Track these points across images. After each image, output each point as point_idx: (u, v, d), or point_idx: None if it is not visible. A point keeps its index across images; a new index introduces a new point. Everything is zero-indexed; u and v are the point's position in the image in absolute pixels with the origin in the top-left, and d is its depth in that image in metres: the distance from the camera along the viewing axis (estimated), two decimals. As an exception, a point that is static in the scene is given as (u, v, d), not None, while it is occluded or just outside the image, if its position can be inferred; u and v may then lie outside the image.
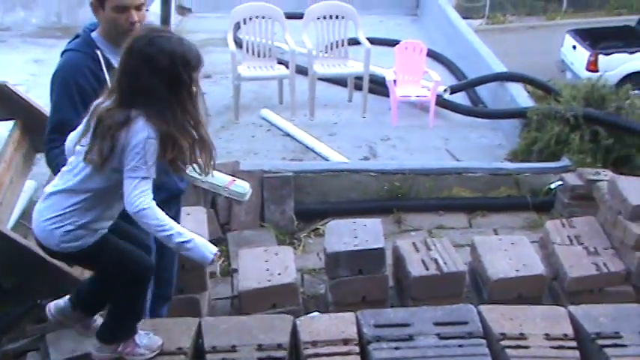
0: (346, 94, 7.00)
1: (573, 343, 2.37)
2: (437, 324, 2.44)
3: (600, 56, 11.80)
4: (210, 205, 4.37)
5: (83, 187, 2.21)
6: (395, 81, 6.59)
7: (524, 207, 4.77)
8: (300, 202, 4.65)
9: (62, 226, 2.22)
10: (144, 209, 2.13)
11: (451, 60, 8.08)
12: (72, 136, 2.28)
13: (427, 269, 3.42)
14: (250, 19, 6.58)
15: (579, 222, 3.95)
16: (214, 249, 2.21)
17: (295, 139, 6.00)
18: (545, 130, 5.17)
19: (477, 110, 6.75)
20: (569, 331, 2.40)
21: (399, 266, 3.59)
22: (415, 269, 3.40)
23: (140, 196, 2.13)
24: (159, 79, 2.12)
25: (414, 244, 3.64)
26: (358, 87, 6.79)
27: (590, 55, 11.85)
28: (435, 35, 9.21)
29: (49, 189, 2.29)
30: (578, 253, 3.67)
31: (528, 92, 6.59)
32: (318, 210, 4.69)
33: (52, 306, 2.50)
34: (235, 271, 3.76)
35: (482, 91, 7.14)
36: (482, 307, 2.55)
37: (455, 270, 3.43)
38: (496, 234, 4.47)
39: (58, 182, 2.27)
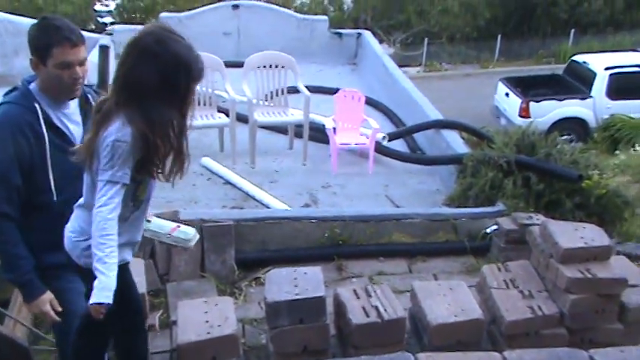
0: (287, 141, 7.07)
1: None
2: (376, 373, 2.44)
3: (531, 103, 12.36)
4: (148, 256, 4.29)
5: (92, 202, 2.20)
6: (334, 129, 6.69)
7: (462, 251, 4.87)
8: (241, 250, 4.61)
9: (85, 240, 2.25)
10: (97, 214, 2.11)
11: (389, 107, 8.29)
12: None
13: (368, 316, 3.42)
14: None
15: (514, 266, 4.05)
16: (107, 301, 2.11)
17: (236, 187, 6.00)
18: (479, 176, 5.33)
19: (415, 157, 6.92)
20: (501, 376, 2.44)
21: (340, 314, 3.59)
22: (356, 317, 3.40)
23: (101, 202, 2.12)
24: (156, 78, 2.09)
25: (354, 291, 3.65)
26: (299, 135, 6.87)
27: (522, 102, 12.40)
28: (373, 83, 9.45)
29: (77, 203, 2.35)
30: (513, 296, 3.75)
31: (463, 139, 6.81)
32: (259, 258, 4.66)
33: None
34: (174, 323, 3.68)
35: (419, 137, 7.33)
36: (421, 355, 2.58)
37: (395, 317, 3.44)
38: (436, 279, 4.54)
39: (83, 198, 2.31)
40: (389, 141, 6.87)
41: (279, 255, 4.65)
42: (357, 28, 12.60)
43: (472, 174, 5.45)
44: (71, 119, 2.33)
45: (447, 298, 3.65)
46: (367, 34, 11.05)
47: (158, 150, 2.15)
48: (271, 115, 6.75)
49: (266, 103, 6.85)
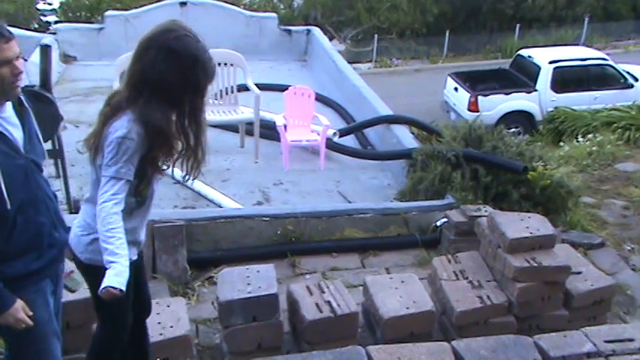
0: (238, 140, 7.02)
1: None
2: (328, 368, 2.46)
3: (480, 97, 12.57)
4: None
5: (96, 197, 2.19)
6: (285, 126, 6.69)
7: (413, 245, 4.93)
8: (194, 250, 4.57)
9: (89, 234, 2.27)
10: (101, 210, 2.12)
11: (340, 104, 8.32)
12: None
13: (321, 312, 3.44)
14: (137, 67, 6.48)
15: (464, 257, 4.14)
16: (120, 286, 2.11)
17: (187, 187, 5.92)
18: (429, 170, 5.40)
19: (366, 152, 6.96)
20: (452, 365, 2.50)
21: (293, 311, 3.60)
22: (309, 313, 3.42)
23: (105, 197, 2.12)
24: (176, 75, 2.11)
25: (307, 287, 3.67)
26: (250, 133, 6.84)
27: (471, 97, 12.60)
28: (323, 80, 9.47)
29: (84, 199, 2.38)
30: (463, 287, 3.83)
31: (413, 134, 6.89)
32: (212, 258, 4.62)
33: None
34: (125, 326, 3.62)
35: (370, 133, 7.39)
36: (371, 348, 2.61)
37: (348, 311, 3.47)
38: (388, 272, 4.59)
39: (89, 192, 2.33)
40: (340, 137, 6.90)
41: (232, 254, 4.63)
42: (307, 25, 12.59)
43: (422, 168, 5.53)
44: (10, 122, 2.25)
45: (399, 291, 3.70)
46: (317, 31, 11.07)
47: (173, 146, 2.18)
48: (221, 114, 6.70)
49: (216, 102, 6.79)
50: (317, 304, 3.50)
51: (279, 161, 6.70)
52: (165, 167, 2.31)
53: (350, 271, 4.63)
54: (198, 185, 5.79)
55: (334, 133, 6.83)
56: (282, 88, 7.30)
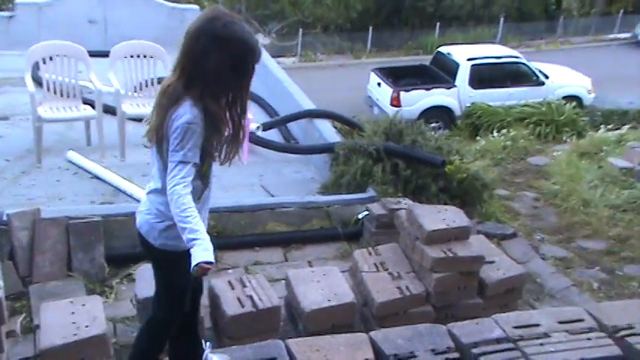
0: (159, 133, 6.87)
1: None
2: (247, 362, 2.46)
3: (402, 93, 12.85)
4: (7, 257, 4.04)
5: (165, 186, 2.26)
6: (208, 119, 6.60)
7: (336, 238, 4.98)
8: (112, 247, 4.45)
9: (162, 221, 2.34)
10: (173, 193, 2.18)
11: (263, 98, 8.29)
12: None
13: (243, 307, 3.43)
14: (51, 58, 6.23)
15: (384, 249, 4.22)
16: (210, 259, 2.19)
17: (105, 182, 5.76)
18: (351, 164, 5.47)
19: (289, 146, 6.97)
20: (370, 355, 2.55)
21: (215, 306, 3.56)
22: (230, 308, 3.40)
23: (175, 181, 2.19)
24: (227, 63, 2.18)
25: (229, 282, 3.64)
26: (171, 126, 6.70)
27: (393, 92, 12.86)
28: (247, 74, 9.40)
29: (146, 189, 2.47)
30: (383, 278, 3.91)
31: (336, 128, 6.95)
32: (131, 254, 4.49)
33: None
34: (38, 327, 3.49)
35: (293, 127, 7.40)
36: (290, 341, 2.62)
37: (270, 305, 3.48)
38: (310, 266, 4.62)
39: (151, 183, 2.43)
40: (263, 131, 6.88)
41: (152, 250, 4.53)
42: (231, 18, 12.45)
43: (344, 162, 5.59)
44: None
45: (321, 283, 3.73)
46: (240, 24, 10.98)
47: (221, 131, 2.27)
48: (141, 107, 6.52)
49: (135, 95, 6.62)
50: (239, 299, 3.48)
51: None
52: (216, 152, 2.38)
53: (273, 265, 4.63)
54: (116, 180, 5.64)
55: (257, 127, 6.79)
56: (204, 82, 7.20)
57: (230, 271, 4.49)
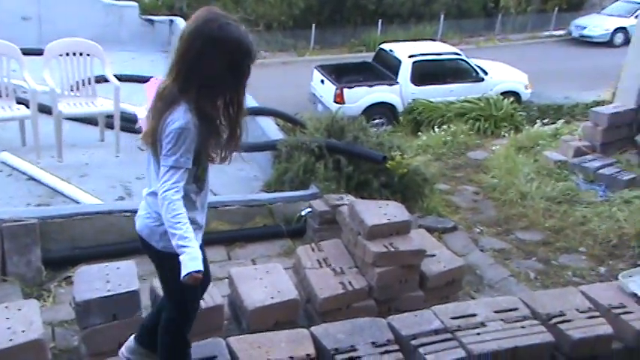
0: (97, 133, 6.73)
1: (315, 362, 2.53)
2: (187, 362, 2.45)
3: (345, 90, 12.91)
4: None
5: None
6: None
7: (279, 235, 4.99)
8: (49, 249, 4.34)
9: (161, 224, 2.31)
10: (164, 199, 2.19)
11: (205, 96, 8.21)
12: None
13: (185, 307, 3.41)
14: (-20, 56, 6.03)
15: (327, 245, 4.26)
16: (199, 267, 2.19)
17: (41, 183, 5.60)
18: (293, 161, 5.49)
19: (232, 144, 6.93)
20: (312, 350, 2.57)
21: (156, 307, 3.52)
22: (172, 309, 3.37)
23: (166, 187, 2.20)
24: (224, 64, 2.18)
25: (171, 282, 3.61)
26: (110, 126, 6.58)
27: (337, 89, 12.91)
28: (189, 71, 9.28)
29: (145, 191, 2.46)
30: (326, 274, 3.94)
31: (278, 125, 6.95)
32: (70, 257, 4.41)
33: (123, 349, 2.66)
34: (-30, 334, 3.37)
35: (236, 125, 7.36)
36: (231, 339, 2.62)
37: (213, 304, 3.45)
38: (254, 264, 4.62)
39: (148, 188, 2.43)
40: (204, 129, 6.81)
41: (92, 251, 4.44)
42: (173, 15, 12.28)
43: (287, 159, 5.60)
44: None
45: (264, 281, 3.73)
46: (180, 21, 10.80)
47: (221, 133, 2.28)
48: (78, 106, 6.39)
49: (72, 94, 6.46)
50: (181, 299, 3.45)
51: (142, 154, 6.48)
52: (214, 154, 2.39)
53: (216, 264, 4.59)
54: (53, 181, 5.50)
55: (199, 126, 6.72)
56: (144, 80, 7.08)
57: (172, 271, 4.43)
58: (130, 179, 5.95)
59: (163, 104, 2.23)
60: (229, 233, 4.89)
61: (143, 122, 6.40)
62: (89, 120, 6.83)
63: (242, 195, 5.39)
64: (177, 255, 2.26)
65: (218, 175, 6.24)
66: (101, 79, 6.72)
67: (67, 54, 6.36)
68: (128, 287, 3.27)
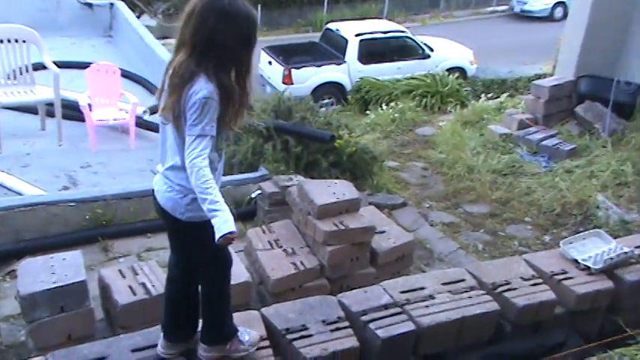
0: (38, 122, 6.53)
1: (266, 343, 2.54)
2: (135, 350, 2.42)
3: (293, 70, 12.84)
4: None
5: (184, 161, 2.32)
6: (90, 105, 6.34)
7: (229, 218, 4.95)
8: (-9, 244, 4.22)
9: (186, 195, 2.41)
10: (194, 166, 2.26)
11: (149, 81, 8.05)
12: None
13: (135, 295, 3.36)
14: None
15: (277, 226, 4.25)
16: (232, 229, 2.27)
17: (-20, 176, 5.42)
18: (242, 143, 5.44)
19: (179, 129, 6.83)
20: (263, 331, 2.57)
21: (106, 296, 3.47)
22: (122, 297, 3.32)
23: (194, 154, 2.27)
24: (236, 36, 2.29)
25: (119, 270, 3.55)
26: (51, 114, 6.39)
27: (285, 70, 12.83)
28: (131, 56, 9.08)
29: (159, 168, 2.53)
30: (278, 255, 3.94)
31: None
32: (13, 250, 4.30)
33: (158, 347, 2.63)
34: None
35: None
36: (161, 348, 2.59)
37: (163, 291, 3.42)
38: (205, 248, 4.58)
39: (164, 162, 2.48)
40: (151, 114, 6.70)
41: (37, 243, 4.34)
42: (113, -1, 11.93)
43: (235, 142, 5.54)
44: None
45: (215, 265, 3.71)
46: (121, 5, 10.52)
47: (236, 101, 2.36)
48: (15, 95, 6.17)
49: (8, 82, 6.24)
50: (130, 287, 3.41)
51: (86, 142, 6.35)
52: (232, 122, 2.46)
53: (166, 250, 4.49)
54: (-8, 173, 5.33)
55: (144, 111, 6.60)
56: (85, 66, 6.90)
57: (121, 259, 4.37)
58: (74, 168, 5.80)
59: (181, 79, 2.30)
60: (179, 219, 4.83)
61: (85, 110, 6.25)
62: (29, 109, 6.61)
63: (190, 180, 5.32)
64: (203, 224, 2.35)
65: (165, 160, 6.19)
66: (40, 67, 6.50)
67: (2, 41, 6.13)
68: (75, 278, 3.20)
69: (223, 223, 2.27)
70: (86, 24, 10.25)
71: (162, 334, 2.68)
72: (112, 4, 10.57)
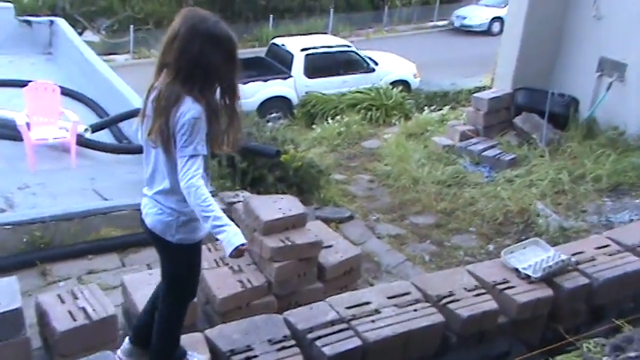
0: (-28, 142, 6.31)
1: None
2: (74, 379, 2.34)
3: (240, 85, 12.76)
4: None
5: (177, 183, 2.33)
6: (28, 124, 6.16)
7: (174, 237, 4.87)
8: None
9: (178, 217, 2.43)
10: (191, 186, 2.27)
11: (91, 98, 7.89)
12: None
13: (75, 320, 3.25)
14: None
15: (223, 244, 4.20)
16: (243, 241, 2.31)
17: None
18: (186, 161, 5.36)
19: (121, 147, 6.71)
20: (207, 355, 2.52)
21: (44, 323, 3.35)
22: (61, 323, 3.21)
23: (189, 175, 2.28)
24: (220, 57, 2.34)
25: (59, 295, 3.44)
26: (-13, 134, 6.18)
27: (230, 85, 12.77)
28: (72, 74, 8.88)
29: (147, 191, 2.53)
30: (224, 274, 3.89)
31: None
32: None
33: (119, 352, 2.66)
34: None
35: (125, 127, 7.12)
36: (121, 353, 2.53)
37: (105, 315, 3.32)
38: (150, 269, 4.48)
39: (152, 186, 2.48)
40: (93, 132, 6.55)
41: (-29, 270, 4.16)
42: (55, 16, 11.66)
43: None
44: None
45: (159, 286, 3.64)
46: (61, 22, 10.30)
47: (223, 120, 2.39)
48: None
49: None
50: (70, 312, 3.29)
51: (24, 163, 6.15)
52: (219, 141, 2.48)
53: (109, 272, 4.44)
54: None
55: (85, 129, 6.46)
56: (23, 84, 6.71)
57: (61, 283, 4.24)
58: (11, 190, 5.60)
59: (167, 102, 2.32)
60: (121, 239, 4.73)
61: (23, 129, 6.06)
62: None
63: (133, 198, 5.20)
64: (191, 247, 2.47)
65: (108, 179, 6.09)
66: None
67: None
68: (9, 305, 3.07)
69: (234, 236, 2.32)
70: (25, 41, 9.99)
71: (128, 339, 2.74)
72: (51, 21, 10.35)
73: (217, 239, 2.37)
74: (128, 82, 7.94)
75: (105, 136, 6.88)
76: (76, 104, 7.62)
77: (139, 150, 6.34)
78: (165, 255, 2.67)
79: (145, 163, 2.56)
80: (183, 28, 2.35)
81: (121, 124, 7.11)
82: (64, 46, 9.81)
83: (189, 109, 2.30)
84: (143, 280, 3.72)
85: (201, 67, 2.34)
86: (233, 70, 2.44)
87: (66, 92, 7.37)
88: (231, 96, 2.46)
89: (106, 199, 5.57)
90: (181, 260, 2.57)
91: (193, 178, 2.30)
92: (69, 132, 6.29)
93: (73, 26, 11.37)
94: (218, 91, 2.44)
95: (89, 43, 12.29)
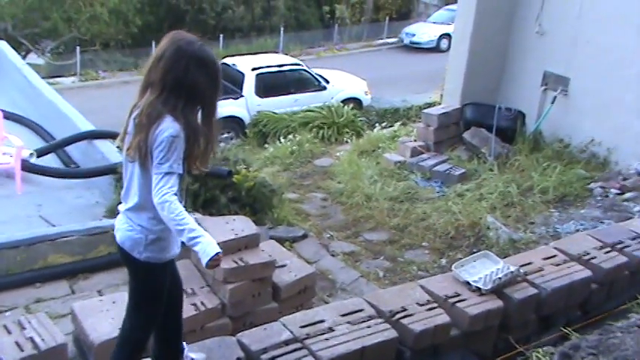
0: None
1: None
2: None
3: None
4: None
5: (147, 200, 2.37)
6: (-30, 150, 5.99)
7: (126, 262, 4.79)
8: None
9: (147, 235, 2.46)
10: (165, 202, 2.30)
11: (36, 122, 7.71)
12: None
13: (22, 351, 3.16)
14: None
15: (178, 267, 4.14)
16: (218, 250, 2.35)
17: None
18: (136, 183, 5.29)
19: (68, 171, 6.57)
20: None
21: (-12, 356, 3.24)
22: (8, 355, 3.11)
23: (163, 191, 2.31)
24: (205, 79, 2.40)
25: (4, 326, 3.33)
26: None
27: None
28: (15, 98, 8.66)
29: (121, 207, 2.56)
30: (177, 297, 3.84)
31: (119, 148, 6.68)
32: None
33: None
34: None
35: (73, 151, 6.99)
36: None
37: (54, 344, 3.23)
38: (100, 295, 4.40)
39: (126, 201, 2.51)
40: (38, 157, 6.41)
41: None
42: (-3, 38, 11.40)
43: (129, 182, 5.39)
44: None
45: (110, 312, 3.57)
46: (3, 45, 10.06)
47: (199, 142, 2.42)
48: None
49: None
50: (17, 343, 3.20)
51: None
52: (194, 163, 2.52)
53: (57, 300, 4.33)
54: None
55: (31, 154, 6.31)
56: (-38, 109, 6.53)
57: (8, 313, 4.12)
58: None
59: (148, 119, 2.36)
60: (70, 265, 4.63)
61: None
62: None
63: (82, 223, 5.09)
64: (156, 265, 2.49)
65: (55, 204, 5.97)
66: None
67: None
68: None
69: (208, 245, 2.34)
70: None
71: None
72: (-7, 44, 10.11)
73: (194, 251, 2.40)
74: (75, 105, 7.82)
75: (51, 161, 6.74)
76: (21, 128, 7.45)
77: (87, 174, 6.29)
78: (131, 272, 2.70)
79: (123, 180, 2.60)
80: (170, 49, 2.41)
81: (68, 148, 6.97)
82: (6, 69, 9.57)
83: (168, 127, 2.35)
84: (94, 306, 3.64)
85: (185, 87, 2.40)
86: (215, 92, 2.51)
87: (9, 116, 7.22)
88: (211, 118, 2.52)
89: (54, 226, 5.45)
90: (147, 279, 2.60)
91: (167, 194, 2.33)
92: (13, 157, 6.13)
93: (16, 49, 11.13)
94: (199, 112, 2.49)
95: (34, 65, 12.06)
